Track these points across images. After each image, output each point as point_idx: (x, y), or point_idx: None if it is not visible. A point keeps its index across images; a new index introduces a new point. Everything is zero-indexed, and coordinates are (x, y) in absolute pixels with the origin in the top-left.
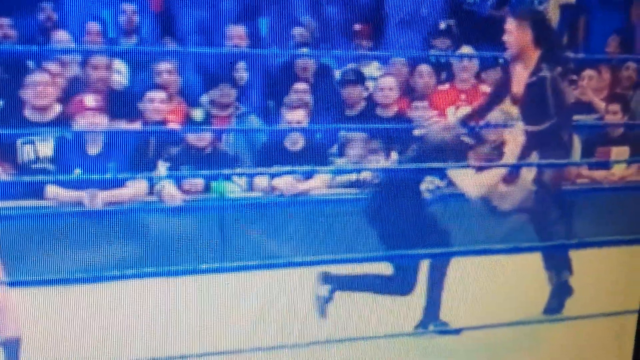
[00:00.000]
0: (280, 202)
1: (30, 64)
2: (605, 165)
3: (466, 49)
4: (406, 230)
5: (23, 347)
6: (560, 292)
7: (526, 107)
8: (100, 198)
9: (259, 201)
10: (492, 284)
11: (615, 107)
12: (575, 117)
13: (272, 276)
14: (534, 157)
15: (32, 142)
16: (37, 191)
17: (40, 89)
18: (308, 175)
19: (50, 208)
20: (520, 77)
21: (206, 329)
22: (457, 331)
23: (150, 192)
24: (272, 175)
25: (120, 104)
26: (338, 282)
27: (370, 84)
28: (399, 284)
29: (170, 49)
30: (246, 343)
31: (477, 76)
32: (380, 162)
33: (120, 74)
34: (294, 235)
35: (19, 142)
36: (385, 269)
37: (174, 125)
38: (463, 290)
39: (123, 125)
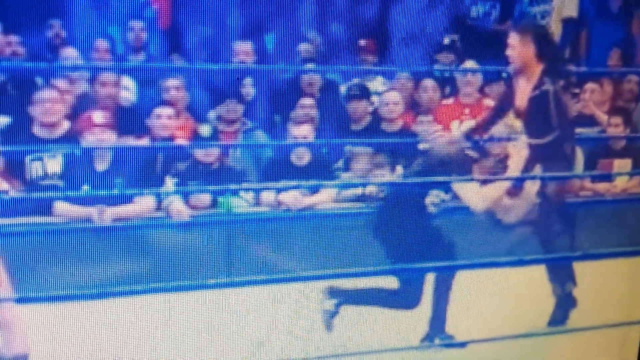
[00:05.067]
0: (286, 217)
1: (39, 80)
2: (608, 177)
3: (470, 64)
4: (411, 244)
5: None
6: (565, 304)
7: (529, 120)
8: (108, 214)
9: (265, 216)
10: (497, 297)
11: (618, 119)
12: (578, 130)
13: (279, 290)
14: (538, 170)
15: (40, 159)
16: (45, 207)
17: (49, 105)
18: (314, 190)
19: (58, 224)
20: (523, 90)
21: (214, 344)
22: (462, 344)
23: (158, 207)
24: (279, 190)
25: (128, 120)
26: (344, 296)
27: (375, 99)
28: (405, 298)
29: (178, 65)
30: (253, 357)
31: (481, 90)
32: (386, 176)
33: (128, 91)
34: (301, 249)
35: (27, 158)
36: (391, 282)
37: (181, 141)
38: (468, 303)
39: (131, 141)
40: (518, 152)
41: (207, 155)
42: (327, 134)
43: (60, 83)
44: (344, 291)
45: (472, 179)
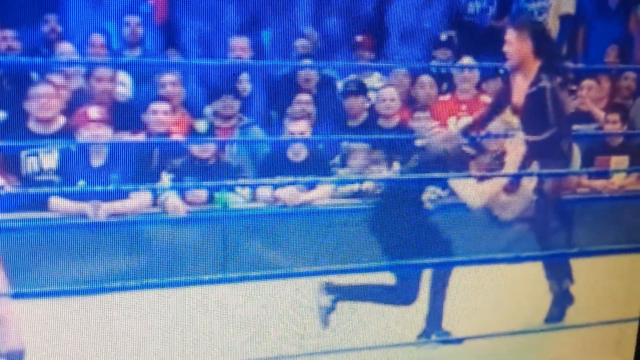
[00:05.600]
0: (283, 213)
1: (35, 75)
2: (605, 174)
3: (467, 60)
4: (408, 240)
5: (26, 359)
6: (562, 301)
7: (526, 117)
8: (104, 210)
9: (262, 212)
10: (493, 293)
11: (615, 116)
12: (575, 127)
13: (275, 286)
14: (535, 167)
15: (36, 154)
16: (41, 203)
17: (44, 100)
18: (311, 186)
19: (54, 220)
20: (520, 87)
21: (209, 340)
22: (459, 340)
23: (154, 203)
24: (275, 186)
25: (124, 115)
26: (341, 292)
27: (372, 95)
28: (402, 294)
29: (174, 60)
30: (249, 354)
31: (478, 87)
32: (383, 172)
33: (124, 86)
34: (297, 245)
35: (23, 154)
36: (387, 278)
37: (177, 137)
38: (465, 299)
39: (127, 137)
40: (515, 149)
41: (204, 151)
42: (323, 130)
43: (56, 78)
44: (341, 287)
45: (469, 176)
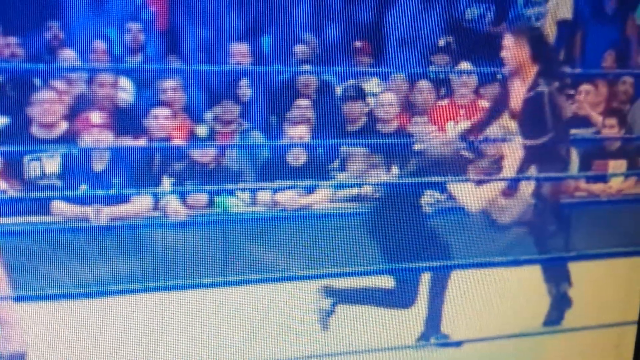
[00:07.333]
0: (282, 217)
1: (37, 81)
2: (603, 178)
3: (465, 65)
4: (407, 244)
5: None
6: (560, 304)
7: (524, 121)
8: (106, 213)
9: (262, 216)
10: (492, 297)
11: (612, 121)
12: (573, 131)
13: (275, 290)
14: (533, 171)
15: (38, 159)
16: (43, 207)
17: (47, 106)
18: (310, 190)
19: (56, 223)
20: (518, 92)
21: (210, 343)
22: (458, 344)
23: (155, 207)
24: (275, 190)
25: (126, 120)
26: (340, 296)
27: (370, 100)
28: (401, 297)
29: (175, 66)
30: (249, 357)
31: (476, 91)
32: (381, 176)
33: (125, 92)
34: (296, 249)
35: (25, 158)
36: (386, 282)
37: (178, 142)
38: (464, 302)
39: (128, 141)
40: (513, 153)
41: (204, 155)
42: (323, 135)
43: (59, 84)
44: (340, 290)
45: (467, 180)
